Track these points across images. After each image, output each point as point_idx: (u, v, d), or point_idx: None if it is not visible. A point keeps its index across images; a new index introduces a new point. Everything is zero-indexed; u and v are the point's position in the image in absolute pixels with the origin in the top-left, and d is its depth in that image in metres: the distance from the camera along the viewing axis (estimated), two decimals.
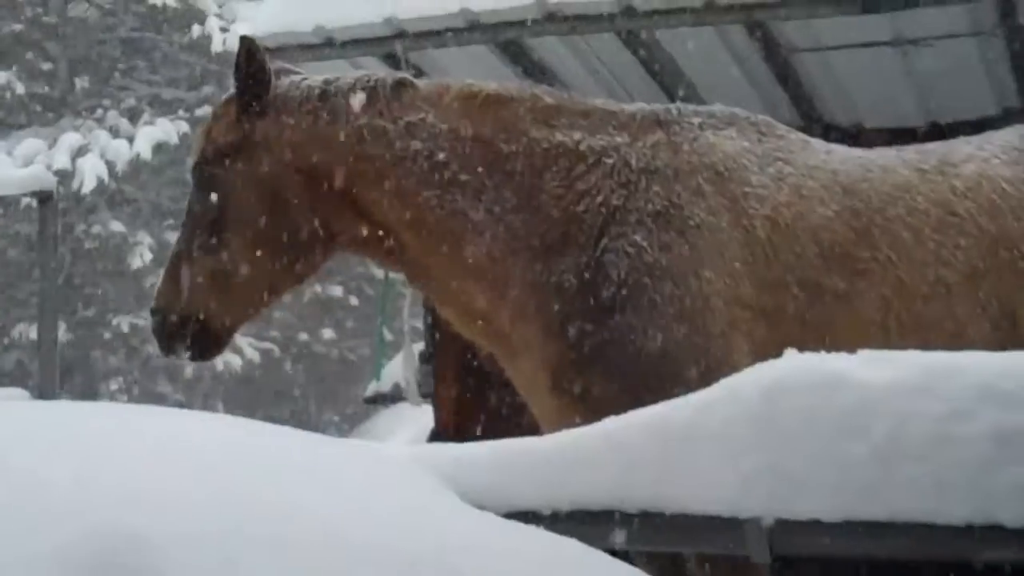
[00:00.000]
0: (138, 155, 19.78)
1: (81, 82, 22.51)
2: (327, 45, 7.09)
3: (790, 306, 4.15)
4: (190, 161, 4.67)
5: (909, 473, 2.60)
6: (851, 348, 2.84)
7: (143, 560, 2.00)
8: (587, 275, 4.18)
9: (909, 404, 2.64)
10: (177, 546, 2.05)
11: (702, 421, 2.84)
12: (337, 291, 24.25)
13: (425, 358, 8.22)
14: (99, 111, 21.36)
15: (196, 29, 20.77)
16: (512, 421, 5.80)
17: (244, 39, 4.49)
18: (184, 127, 20.02)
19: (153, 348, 4.74)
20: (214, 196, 4.45)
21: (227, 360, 21.39)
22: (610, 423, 3.00)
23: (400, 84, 4.49)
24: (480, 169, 4.34)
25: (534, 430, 4.04)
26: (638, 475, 2.88)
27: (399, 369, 9.81)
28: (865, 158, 4.46)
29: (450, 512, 2.60)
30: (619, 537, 2.88)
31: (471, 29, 6.84)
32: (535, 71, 7.38)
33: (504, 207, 4.31)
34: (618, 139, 4.34)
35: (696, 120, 4.41)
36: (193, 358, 4.58)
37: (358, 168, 4.39)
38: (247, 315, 4.62)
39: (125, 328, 21.15)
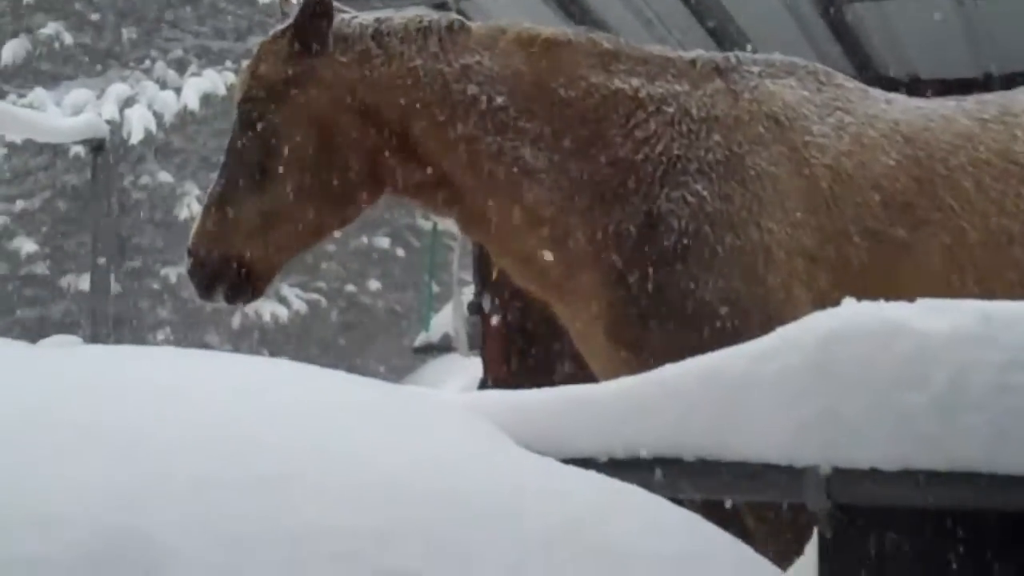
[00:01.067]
0: (185, 106, 19.85)
1: (128, 33, 22.55)
2: None
3: (852, 256, 4.13)
4: (235, 99, 4.56)
5: (969, 422, 2.57)
6: (913, 298, 2.82)
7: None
8: (647, 224, 4.16)
9: (969, 353, 2.61)
10: (238, 491, 2.07)
11: (758, 369, 2.82)
12: (384, 242, 24.33)
13: (474, 308, 8.23)
14: (147, 62, 21.45)
15: None
16: (561, 371, 5.81)
17: None
18: (231, 78, 20.00)
19: (191, 293, 4.59)
20: (260, 135, 4.35)
21: (274, 311, 21.54)
22: (666, 371, 2.99)
23: (453, 26, 4.40)
24: (539, 115, 4.28)
25: (583, 379, 4.03)
26: (694, 423, 2.87)
27: (448, 319, 9.85)
28: (926, 108, 4.42)
29: (509, 457, 2.61)
30: (676, 484, 2.89)
31: None
32: (586, 20, 7.33)
33: (563, 154, 4.26)
34: (677, 87, 4.30)
35: (755, 69, 4.37)
36: (230, 302, 4.40)
37: (413, 111, 4.32)
38: (286, 259, 4.50)
39: (173, 279, 21.29)
